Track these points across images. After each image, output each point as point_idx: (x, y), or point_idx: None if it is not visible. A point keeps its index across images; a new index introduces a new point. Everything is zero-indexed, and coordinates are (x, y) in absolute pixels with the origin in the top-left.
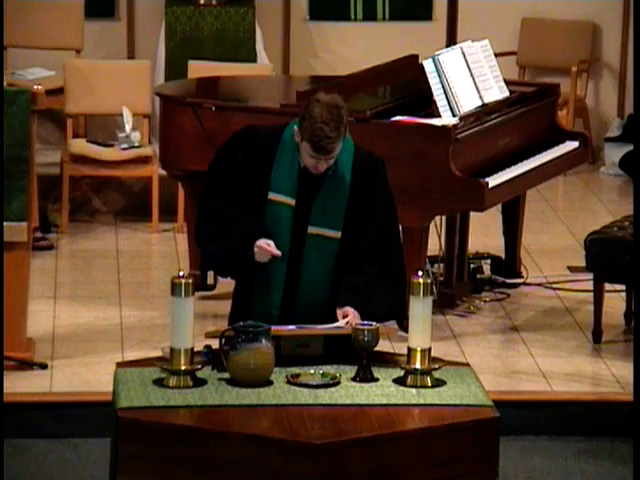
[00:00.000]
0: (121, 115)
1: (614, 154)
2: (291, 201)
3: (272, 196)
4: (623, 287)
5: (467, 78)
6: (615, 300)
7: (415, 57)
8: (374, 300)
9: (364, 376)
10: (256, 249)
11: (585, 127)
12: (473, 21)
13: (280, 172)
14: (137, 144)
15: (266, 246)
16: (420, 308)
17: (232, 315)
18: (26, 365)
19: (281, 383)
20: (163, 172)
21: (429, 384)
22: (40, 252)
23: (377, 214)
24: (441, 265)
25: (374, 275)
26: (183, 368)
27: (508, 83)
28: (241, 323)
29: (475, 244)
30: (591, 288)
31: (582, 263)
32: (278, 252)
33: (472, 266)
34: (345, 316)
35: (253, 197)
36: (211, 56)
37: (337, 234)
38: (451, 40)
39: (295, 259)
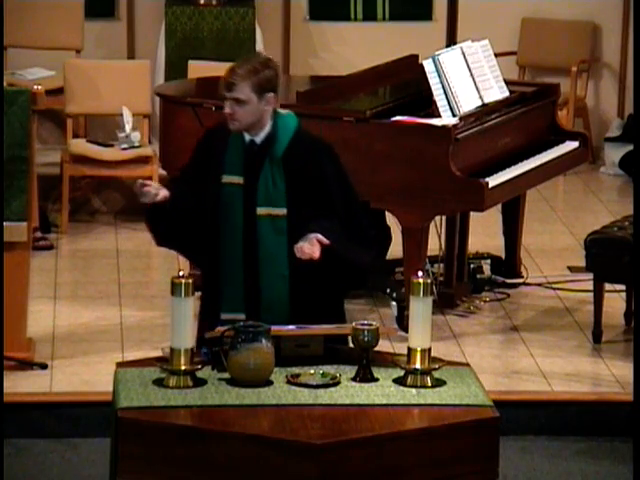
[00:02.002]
0: (121, 115)
1: (614, 154)
2: (240, 179)
3: (225, 178)
4: (623, 287)
5: (467, 78)
6: (615, 300)
7: (415, 57)
8: (343, 244)
9: (364, 376)
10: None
11: (585, 127)
12: (473, 21)
13: (231, 153)
14: (137, 144)
15: (148, 182)
16: (420, 308)
17: (204, 302)
18: (26, 365)
19: (281, 383)
20: (163, 172)
21: (429, 384)
22: (40, 252)
23: (331, 194)
24: (441, 265)
25: (344, 234)
26: (183, 368)
27: (508, 83)
28: (241, 323)
29: (475, 244)
30: (591, 288)
31: (582, 263)
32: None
33: (472, 266)
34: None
35: (210, 185)
36: (211, 56)
37: (283, 211)
38: (451, 40)
39: (251, 239)
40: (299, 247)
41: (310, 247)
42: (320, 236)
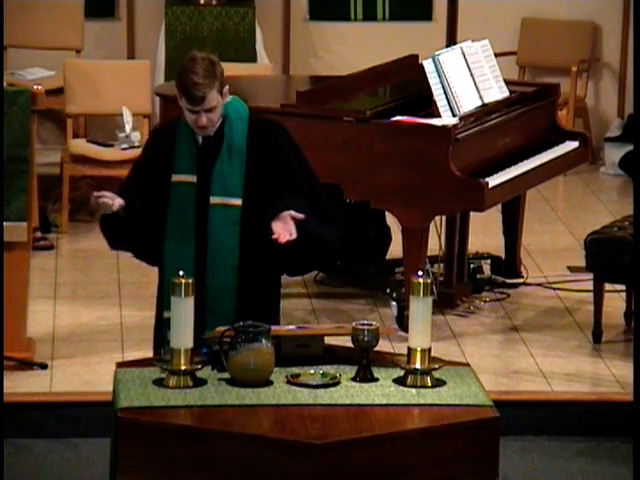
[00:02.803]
0: (121, 115)
1: (614, 154)
2: (192, 178)
3: (175, 177)
4: (623, 287)
5: (467, 78)
6: (615, 300)
7: (415, 57)
8: (313, 220)
9: (364, 376)
10: (93, 196)
11: (585, 127)
12: (473, 21)
13: (180, 153)
14: (137, 144)
15: (104, 192)
16: (420, 308)
17: (158, 300)
18: (26, 365)
19: (281, 383)
20: None
21: (429, 384)
22: (40, 252)
23: (287, 172)
24: (441, 265)
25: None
26: (183, 368)
27: (508, 83)
28: (241, 323)
29: (475, 244)
30: (591, 288)
31: (582, 263)
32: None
33: (472, 266)
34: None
35: (161, 187)
36: None
37: (238, 201)
38: (451, 40)
39: (201, 235)
40: (276, 231)
41: (287, 227)
42: (293, 212)
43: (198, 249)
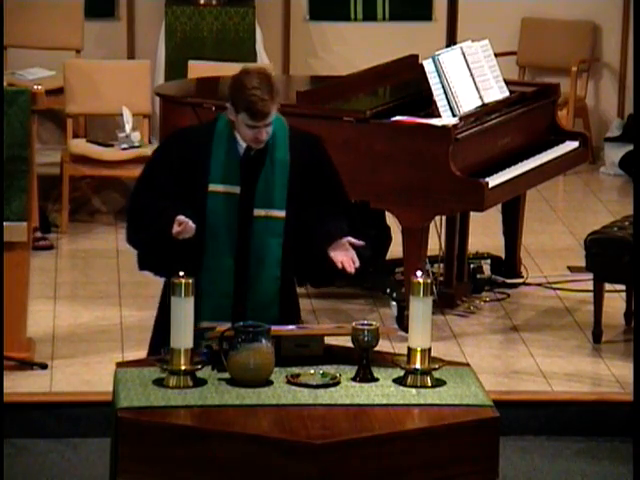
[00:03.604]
0: (121, 115)
1: (614, 154)
2: (235, 189)
3: (213, 187)
4: (623, 287)
5: (467, 78)
6: (615, 300)
7: (415, 57)
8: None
9: (364, 376)
10: (176, 225)
11: (585, 127)
12: (473, 21)
13: (219, 162)
14: (137, 144)
15: (184, 219)
16: (420, 308)
17: (161, 301)
18: (26, 365)
19: (281, 383)
20: None
21: (429, 384)
22: (40, 252)
23: (328, 187)
24: (441, 265)
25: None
26: (183, 368)
27: (508, 83)
28: (241, 323)
29: (475, 244)
30: (591, 288)
31: (582, 263)
32: (193, 225)
33: (472, 266)
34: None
35: (191, 193)
36: (211, 56)
37: (282, 213)
38: (451, 40)
39: (243, 245)
40: (339, 259)
41: (348, 255)
42: (351, 239)
43: (238, 260)
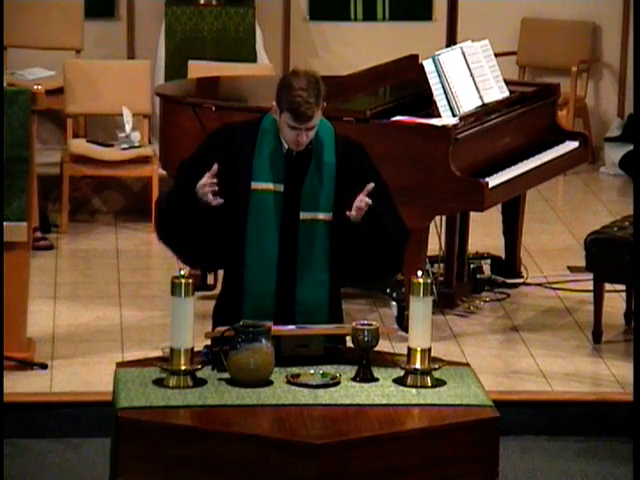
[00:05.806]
0: (121, 115)
1: (614, 154)
2: (279, 187)
3: (256, 185)
4: (623, 287)
5: (467, 78)
6: (615, 300)
7: (415, 57)
8: (387, 218)
9: (364, 376)
10: (199, 187)
11: (585, 127)
12: (473, 21)
13: (263, 161)
14: (137, 144)
15: (206, 179)
16: (420, 308)
17: (219, 310)
18: (26, 365)
19: (281, 383)
20: (163, 172)
21: (429, 384)
22: (40, 252)
23: (377, 195)
24: (441, 265)
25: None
26: (183, 368)
27: (508, 83)
28: (241, 323)
29: (475, 244)
30: (591, 288)
31: (582, 263)
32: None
33: (472, 266)
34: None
35: (235, 189)
36: (211, 56)
37: (329, 216)
38: (451, 40)
39: (287, 246)
40: (355, 206)
41: (362, 200)
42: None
43: (281, 260)
